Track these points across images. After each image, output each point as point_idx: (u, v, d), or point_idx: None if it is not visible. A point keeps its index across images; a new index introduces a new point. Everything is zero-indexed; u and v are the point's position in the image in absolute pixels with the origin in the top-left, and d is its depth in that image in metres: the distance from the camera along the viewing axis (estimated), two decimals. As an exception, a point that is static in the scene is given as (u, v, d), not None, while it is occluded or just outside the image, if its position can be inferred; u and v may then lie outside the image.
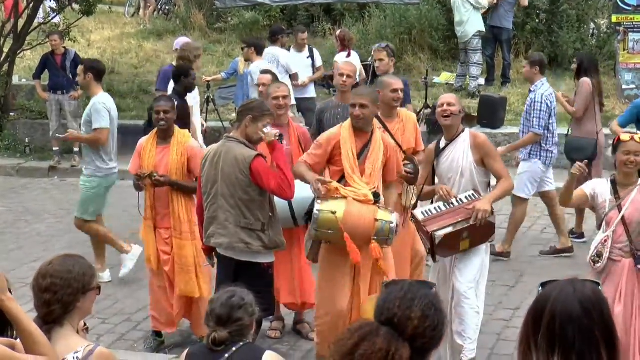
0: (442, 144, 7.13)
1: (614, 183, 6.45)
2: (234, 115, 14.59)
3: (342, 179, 6.76)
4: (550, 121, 9.79)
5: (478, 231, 6.80)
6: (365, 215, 6.54)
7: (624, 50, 14.88)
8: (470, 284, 6.90)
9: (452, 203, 6.88)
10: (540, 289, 6.21)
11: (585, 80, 10.38)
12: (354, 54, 14.00)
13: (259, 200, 6.74)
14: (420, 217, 6.87)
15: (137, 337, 8.27)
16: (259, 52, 12.76)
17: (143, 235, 8.05)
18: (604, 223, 6.40)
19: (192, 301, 7.83)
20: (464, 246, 6.82)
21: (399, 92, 7.47)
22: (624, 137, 6.42)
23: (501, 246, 9.79)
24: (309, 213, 6.87)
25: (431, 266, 7.29)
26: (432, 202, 7.11)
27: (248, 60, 13.03)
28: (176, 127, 7.94)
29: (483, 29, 15.60)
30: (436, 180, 7.21)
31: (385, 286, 3.34)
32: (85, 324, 4.39)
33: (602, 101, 10.78)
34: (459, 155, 7.00)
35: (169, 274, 7.79)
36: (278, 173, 6.67)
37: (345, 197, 6.58)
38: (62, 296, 4.12)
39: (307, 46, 14.51)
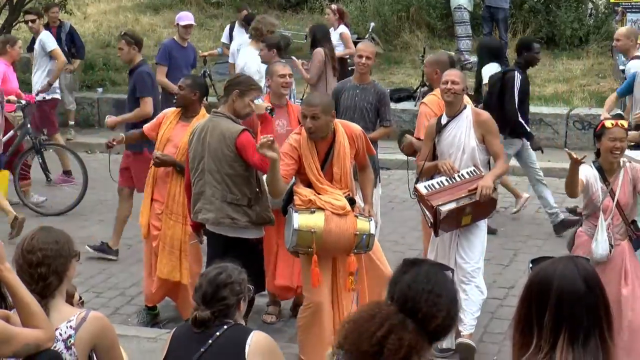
0: (444, 120, 7.12)
1: (600, 170, 6.43)
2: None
3: (311, 184, 6.56)
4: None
5: (480, 207, 6.84)
6: (344, 231, 6.39)
7: (622, 30, 14.81)
8: (477, 264, 6.97)
9: (455, 178, 6.90)
10: (531, 265, 6.26)
11: (318, 50, 11.35)
12: (342, 27, 13.84)
13: (245, 175, 6.71)
14: (423, 191, 6.87)
15: (130, 312, 8.28)
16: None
17: (143, 201, 8.03)
18: (600, 212, 6.37)
19: (177, 284, 7.72)
20: (465, 221, 6.86)
21: (449, 83, 7.09)
22: (608, 123, 6.35)
23: None
24: (285, 207, 6.67)
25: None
26: (432, 178, 7.10)
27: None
28: (203, 109, 7.82)
29: (467, 4, 15.73)
30: (438, 157, 7.18)
31: (408, 265, 3.26)
32: (80, 297, 4.40)
33: (335, 66, 11.50)
34: (462, 131, 7.01)
35: (155, 249, 7.73)
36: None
37: (322, 209, 6.40)
38: (56, 267, 4.12)
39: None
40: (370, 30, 15.87)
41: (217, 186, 6.71)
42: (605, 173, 6.41)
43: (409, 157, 8.30)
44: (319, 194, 6.48)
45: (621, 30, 10.77)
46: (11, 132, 11.25)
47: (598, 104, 13.71)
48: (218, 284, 4.29)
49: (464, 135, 7.00)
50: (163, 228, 7.64)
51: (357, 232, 6.42)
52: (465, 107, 7.08)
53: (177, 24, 11.72)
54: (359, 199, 6.87)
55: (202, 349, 4.22)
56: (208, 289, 4.29)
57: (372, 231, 6.50)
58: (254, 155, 6.52)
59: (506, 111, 9.64)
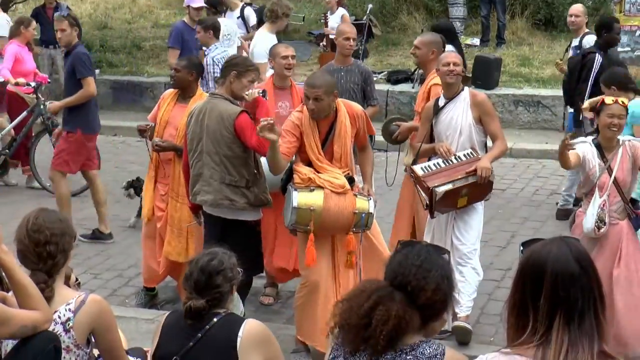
0: (441, 102, 7.12)
1: (598, 147, 6.47)
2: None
3: (311, 163, 6.56)
4: None
5: (477, 189, 6.84)
6: (343, 209, 6.40)
7: (620, 12, 14.81)
8: (473, 245, 6.97)
9: (451, 160, 6.90)
10: (522, 248, 6.27)
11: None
12: (342, 10, 13.82)
13: (243, 156, 6.70)
14: (419, 172, 6.86)
15: (128, 293, 8.30)
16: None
17: (145, 185, 8.04)
18: (596, 188, 6.41)
19: (181, 265, 7.74)
20: (461, 203, 6.86)
21: (451, 65, 6.99)
22: (608, 100, 6.46)
23: None
24: (284, 186, 6.68)
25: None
26: (429, 160, 7.10)
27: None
28: (199, 89, 7.85)
29: None
30: (435, 139, 7.17)
31: (402, 246, 3.36)
32: (77, 279, 4.41)
33: None
34: (459, 113, 7.00)
35: (161, 231, 7.75)
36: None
37: (321, 187, 6.40)
38: (63, 245, 4.16)
39: (241, 4, 13.55)
40: (367, 12, 15.83)
41: (215, 168, 6.70)
42: (604, 150, 6.44)
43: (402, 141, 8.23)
44: (318, 172, 6.48)
45: (578, 7, 10.68)
46: (24, 113, 11.28)
47: (596, 85, 13.70)
48: (210, 272, 4.18)
49: (461, 117, 6.99)
50: (170, 210, 7.64)
51: (356, 211, 6.42)
52: (463, 88, 7.08)
53: (188, 6, 11.62)
54: (358, 179, 6.87)
55: (191, 343, 4.12)
56: (201, 277, 4.18)
57: (371, 210, 6.49)
58: (252, 137, 6.52)
59: (577, 91, 9.60)
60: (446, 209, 6.91)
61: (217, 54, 9.95)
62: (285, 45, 7.86)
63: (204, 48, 10.39)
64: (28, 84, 11.16)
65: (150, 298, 8.00)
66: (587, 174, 6.46)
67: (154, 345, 4.24)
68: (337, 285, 6.59)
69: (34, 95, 11.29)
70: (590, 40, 10.15)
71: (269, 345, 4.20)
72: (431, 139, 7.18)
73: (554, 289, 2.82)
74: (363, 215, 6.43)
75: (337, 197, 6.40)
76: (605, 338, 2.85)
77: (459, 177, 6.78)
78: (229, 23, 11.70)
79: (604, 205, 6.37)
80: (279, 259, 7.64)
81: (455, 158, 6.91)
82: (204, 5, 11.81)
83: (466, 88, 7.14)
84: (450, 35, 10.31)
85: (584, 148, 6.51)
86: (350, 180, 6.52)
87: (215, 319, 4.14)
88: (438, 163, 6.90)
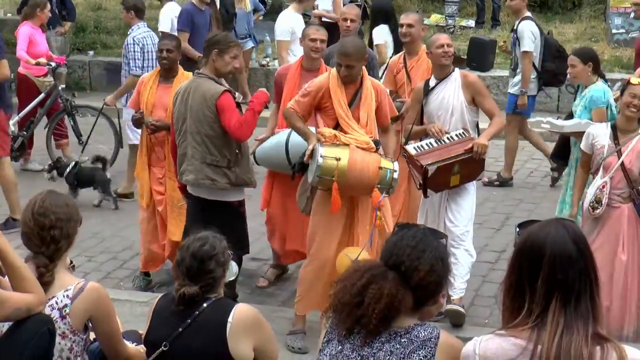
0: (432, 83, 7.15)
1: (614, 128, 6.47)
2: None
3: (336, 127, 6.55)
4: (146, 64, 9.97)
5: (468, 166, 6.85)
6: (369, 163, 6.35)
7: (615, -7, 14.78)
8: (466, 227, 6.97)
9: (444, 140, 6.92)
10: (518, 230, 6.28)
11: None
12: None
13: (225, 136, 6.71)
14: (412, 152, 6.86)
15: (123, 276, 8.29)
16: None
17: (138, 173, 8.03)
18: (601, 168, 6.41)
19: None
20: (454, 182, 6.86)
21: (445, 46, 7.08)
22: (634, 80, 6.48)
23: None
24: (302, 163, 6.57)
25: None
26: (421, 141, 7.09)
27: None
28: (180, 69, 7.90)
29: None
30: (424, 121, 7.19)
31: (399, 228, 3.38)
32: (71, 262, 4.39)
33: (220, 27, 11.64)
34: (450, 93, 7.04)
35: (162, 214, 7.76)
36: (246, 113, 6.68)
37: (347, 144, 6.38)
38: (67, 230, 4.15)
39: None
40: (362, -7, 15.76)
41: (197, 147, 6.72)
42: (619, 132, 6.44)
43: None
44: (343, 132, 6.47)
45: None
46: (42, 95, 11.23)
47: (591, 68, 13.68)
48: (203, 257, 4.09)
49: (452, 97, 7.03)
50: (169, 191, 7.67)
51: (382, 167, 6.36)
52: (453, 69, 7.12)
53: None
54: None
55: (180, 329, 4.06)
56: (193, 263, 4.09)
57: (396, 169, 6.43)
58: (231, 119, 6.56)
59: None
60: (439, 188, 6.90)
61: (138, 34, 9.98)
62: (316, 28, 7.74)
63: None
64: (49, 64, 11.08)
65: (147, 282, 8.02)
66: (595, 153, 6.49)
67: (146, 328, 4.22)
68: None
69: (45, 78, 11.23)
70: (527, 25, 10.07)
71: (260, 329, 4.14)
72: (421, 121, 7.20)
73: (552, 271, 2.82)
74: (389, 171, 6.36)
75: (362, 152, 6.37)
76: (600, 320, 2.86)
77: (452, 155, 6.79)
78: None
79: (603, 186, 6.36)
80: (291, 241, 7.61)
81: (448, 138, 6.93)
82: None
83: (457, 69, 7.18)
84: (386, 15, 10.33)
85: (594, 128, 6.53)
86: (377, 143, 6.51)
87: (205, 304, 4.07)
88: (430, 143, 6.92)
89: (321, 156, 6.25)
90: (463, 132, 6.98)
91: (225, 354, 4.01)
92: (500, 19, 16.36)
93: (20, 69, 11.29)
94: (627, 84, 6.51)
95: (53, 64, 11.13)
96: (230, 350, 4.00)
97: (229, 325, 4.02)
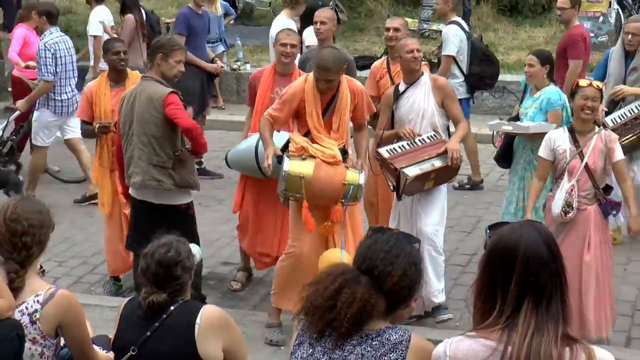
0: (402, 87, 7.19)
1: (572, 131, 6.50)
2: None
3: (307, 133, 6.68)
4: (59, 70, 9.98)
5: (444, 172, 6.92)
6: (333, 179, 6.47)
7: (585, -2, 14.88)
8: (436, 226, 7.00)
9: (416, 142, 6.97)
10: (489, 231, 6.30)
11: (129, 17, 11.38)
12: None
13: (171, 137, 6.76)
14: (385, 154, 6.89)
15: (93, 280, 8.25)
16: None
17: (97, 181, 8.00)
18: (565, 173, 6.43)
19: None
20: (428, 185, 6.92)
21: (415, 52, 7.11)
22: (583, 82, 6.52)
23: None
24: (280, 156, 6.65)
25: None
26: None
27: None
28: (128, 69, 7.95)
29: None
30: (395, 125, 7.22)
31: (372, 231, 3.37)
32: (41, 267, 4.36)
33: (145, 32, 11.53)
34: (420, 97, 7.08)
35: (129, 216, 7.70)
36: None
37: (313, 157, 6.49)
38: (39, 237, 4.11)
39: None
40: (334, -3, 15.79)
41: (143, 149, 6.75)
42: (577, 134, 6.47)
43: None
44: (313, 142, 6.56)
45: None
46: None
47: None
48: (169, 264, 4.01)
49: (423, 100, 7.07)
50: None
51: (346, 182, 6.49)
52: (422, 73, 7.17)
53: None
54: (352, 152, 7.00)
55: (148, 333, 4.01)
56: (159, 271, 4.00)
57: (361, 182, 6.57)
58: (185, 119, 6.66)
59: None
60: (414, 192, 6.95)
61: (50, 39, 9.96)
62: (287, 32, 7.75)
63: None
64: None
65: (118, 288, 7.99)
66: (557, 158, 6.50)
67: (114, 333, 4.17)
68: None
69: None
70: (452, 29, 10.18)
71: (229, 330, 4.09)
72: (392, 126, 7.23)
73: (525, 272, 2.83)
74: (352, 187, 6.50)
75: (327, 167, 6.50)
76: (570, 321, 2.88)
77: (425, 157, 6.84)
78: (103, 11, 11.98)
79: (572, 190, 6.40)
80: (263, 244, 7.64)
81: (420, 140, 6.97)
82: None
83: (426, 73, 7.22)
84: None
85: (553, 134, 6.55)
86: (343, 152, 6.62)
87: (172, 307, 4.02)
88: (403, 145, 6.96)
89: (285, 172, 6.38)
90: (434, 135, 7.03)
91: (194, 356, 3.97)
92: (471, 23, 16.42)
93: (15, 72, 11.25)
94: (576, 87, 6.52)
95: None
96: (199, 351, 3.97)
97: (197, 326, 3.98)
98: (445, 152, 6.86)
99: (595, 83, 6.56)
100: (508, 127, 7.64)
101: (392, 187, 6.97)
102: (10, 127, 11.05)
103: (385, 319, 3.22)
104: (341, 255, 6.32)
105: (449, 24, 10.23)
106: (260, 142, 6.95)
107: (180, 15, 11.37)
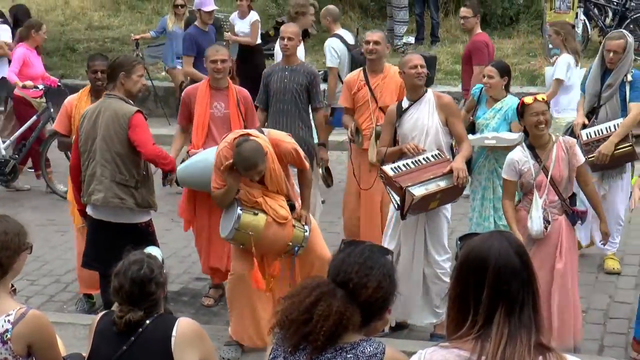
0: (405, 104, 7.07)
1: (531, 148, 6.51)
2: (163, 74, 14.47)
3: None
4: None
5: (449, 193, 6.81)
6: (279, 239, 6.49)
7: (551, 9, 15.01)
8: (446, 254, 7.02)
9: (420, 161, 6.84)
10: (460, 242, 6.31)
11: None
12: (253, 13, 13.37)
13: (134, 156, 6.78)
14: (390, 173, 6.78)
15: (66, 299, 8.20)
16: None
17: (69, 195, 7.96)
18: (534, 189, 6.45)
19: None
20: (432, 205, 6.80)
21: (419, 67, 7.00)
22: (528, 99, 6.48)
23: None
24: None
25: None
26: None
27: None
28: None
29: None
30: (398, 143, 7.08)
31: (345, 245, 3.37)
32: (12, 286, 4.32)
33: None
34: (424, 114, 6.96)
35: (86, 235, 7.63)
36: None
37: (265, 213, 6.45)
38: (0, 259, 4.06)
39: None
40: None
41: (106, 165, 6.75)
42: (536, 150, 6.49)
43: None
44: (266, 196, 6.52)
45: (323, 10, 10.69)
46: (34, 118, 11.09)
47: (529, 82, 13.90)
48: (143, 281, 4.04)
49: (427, 118, 6.95)
50: None
51: (290, 243, 6.52)
52: (426, 90, 7.04)
53: (199, 10, 11.38)
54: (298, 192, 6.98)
55: (125, 347, 4.03)
56: (133, 289, 4.03)
57: (306, 235, 6.58)
58: (148, 142, 6.72)
59: None
60: (418, 212, 6.84)
61: None
62: (217, 49, 7.80)
63: None
64: (36, 87, 10.94)
65: (90, 305, 7.93)
66: (523, 176, 6.49)
67: (88, 350, 4.17)
68: (272, 292, 6.63)
69: (43, 99, 11.06)
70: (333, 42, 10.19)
71: (203, 342, 4.14)
72: (395, 143, 7.11)
73: (497, 282, 2.85)
74: (296, 247, 6.55)
75: (277, 226, 6.48)
76: (543, 330, 2.89)
77: (431, 176, 6.72)
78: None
79: (544, 204, 6.43)
80: (214, 260, 7.68)
81: (424, 159, 6.85)
82: (215, 7, 11.69)
83: (429, 90, 7.10)
84: None
85: (513, 154, 6.57)
86: (292, 207, 6.59)
87: (147, 321, 4.06)
88: (407, 164, 6.83)
89: (236, 227, 6.38)
90: (439, 154, 6.90)
91: None
92: (440, 35, 16.53)
93: (16, 91, 11.17)
94: (522, 105, 6.47)
95: (40, 86, 10.96)
96: None
97: (173, 339, 4.01)
98: (451, 171, 6.74)
99: (540, 96, 6.57)
100: (491, 141, 7.66)
101: (396, 206, 6.87)
102: (12, 146, 11.03)
103: (360, 331, 3.23)
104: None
105: (331, 37, 10.25)
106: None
107: (187, 36, 11.28)
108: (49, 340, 4.14)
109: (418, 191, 6.63)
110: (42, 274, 8.75)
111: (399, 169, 6.81)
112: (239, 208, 6.44)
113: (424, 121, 6.96)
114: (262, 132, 6.70)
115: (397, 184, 6.70)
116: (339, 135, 10.60)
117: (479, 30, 10.44)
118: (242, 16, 13.11)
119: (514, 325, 2.82)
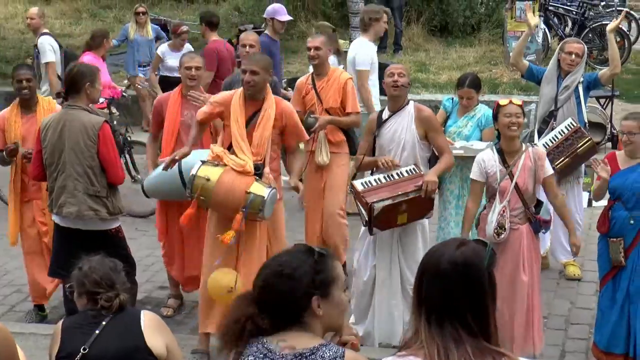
0: (385, 115, 6.99)
1: (500, 152, 6.55)
2: (125, 82, 14.39)
3: (230, 146, 6.69)
4: None
5: (416, 205, 6.66)
6: (237, 186, 6.43)
7: (512, 18, 15.16)
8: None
9: (393, 176, 6.72)
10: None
11: None
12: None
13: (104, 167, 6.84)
14: (359, 187, 6.67)
15: (28, 308, 8.11)
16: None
17: (10, 208, 7.85)
18: (497, 194, 6.47)
19: None
20: (401, 220, 6.67)
21: (396, 75, 6.89)
22: (503, 101, 6.57)
23: None
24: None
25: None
26: (372, 174, 7.00)
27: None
28: (39, 95, 7.87)
29: None
30: (376, 153, 7.01)
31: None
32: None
33: None
34: (403, 127, 6.88)
35: (49, 244, 7.53)
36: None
37: (225, 165, 6.51)
38: None
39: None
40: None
41: (79, 179, 6.76)
42: (506, 155, 6.50)
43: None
44: (232, 153, 6.58)
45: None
46: None
47: (491, 90, 14.01)
48: (105, 262, 4.36)
49: (405, 131, 6.86)
50: (50, 223, 7.44)
51: (248, 191, 6.42)
52: (408, 102, 6.96)
53: (272, 19, 10.92)
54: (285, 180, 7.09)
55: (97, 331, 4.24)
56: (100, 271, 4.31)
57: (265, 196, 6.42)
58: (114, 152, 6.79)
59: None
60: (386, 226, 6.71)
61: None
62: (191, 56, 7.83)
63: None
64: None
65: (42, 318, 7.85)
66: (488, 180, 6.52)
67: (56, 349, 4.27)
68: (238, 272, 6.58)
69: (107, 111, 10.55)
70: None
71: (167, 331, 4.42)
72: (373, 152, 7.03)
73: (420, 285, 2.90)
74: (252, 195, 6.40)
75: (234, 174, 6.48)
76: (493, 336, 2.88)
77: (400, 192, 6.58)
78: None
79: (504, 211, 6.41)
80: (191, 268, 7.65)
81: (397, 174, 6.72)
82: (290, 18, 11.49)
83: (411, 102, 7.00)
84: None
85: (483, 155, 6.59)
86: (257, 168, 6.57)
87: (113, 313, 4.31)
88: (379, 178, 6.71)
89: (192, 175, 6.45)
90: (414, 168, 6.76)
91: (143, 349, 4.24)
92: (402, 43, 16.62)
93: None
94: (497, 107, 6.55)
95: (101, 100, 10.31)
96: (147, 343, 4.24)
97: (142, 321, 4.30)
98: (421, 186, 6.61)
99: (514, 100, 6.64)
100: (459, 151, 7.66)
101: (364, 222, 6.76)
102: None
103: (315, 335, 3.21)
104: (233, 278, 6.43)
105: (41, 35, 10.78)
106: (183, 161, 6.89)
107: (261, 44, 10.87)
108: (9, 351, 4.11)
109: (381, 203, 6.54)
110: (2, 284, 8.68)
111: (369, 184, 6.70)
112: (200, 161, 6.55)
113: (402, 134, 6.87)
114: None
115: (364, 199, 6.60)
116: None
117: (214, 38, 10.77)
118: (176, 49, 12.74)
119: (456, 331, 2.81)
